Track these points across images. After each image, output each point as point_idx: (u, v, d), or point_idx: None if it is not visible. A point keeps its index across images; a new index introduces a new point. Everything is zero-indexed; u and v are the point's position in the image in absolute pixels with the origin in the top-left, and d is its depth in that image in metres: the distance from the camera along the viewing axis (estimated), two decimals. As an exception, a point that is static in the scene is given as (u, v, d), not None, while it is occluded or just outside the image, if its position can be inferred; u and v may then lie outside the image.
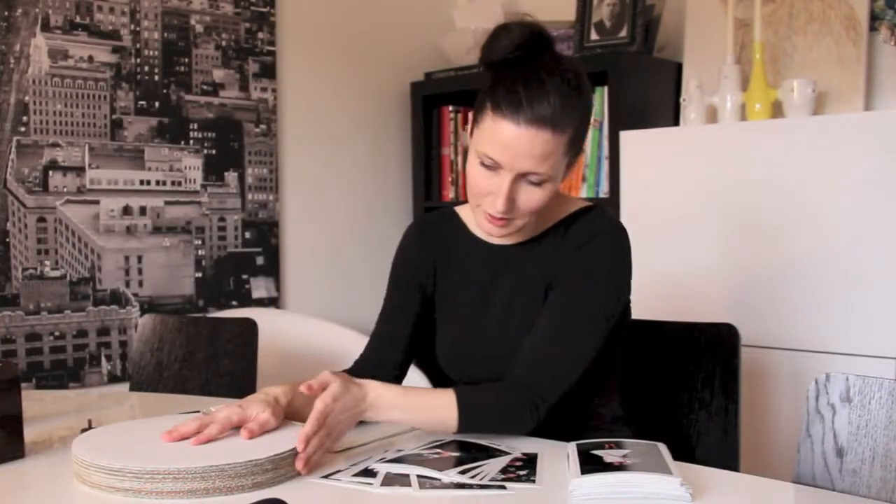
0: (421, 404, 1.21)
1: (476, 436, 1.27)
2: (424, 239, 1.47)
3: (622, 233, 1.32)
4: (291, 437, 1.11)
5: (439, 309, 1.44)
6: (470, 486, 1.04)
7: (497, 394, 1.25)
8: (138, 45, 2.51)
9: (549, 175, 1.22)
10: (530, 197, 1.24)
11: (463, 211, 1.46)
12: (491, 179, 1.24)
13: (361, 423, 1.24)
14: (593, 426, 1.37)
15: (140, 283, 2.52)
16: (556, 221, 1.35)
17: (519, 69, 1.21)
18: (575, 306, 1.27)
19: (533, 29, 1.24)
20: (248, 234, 2.75)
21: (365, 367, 1.44)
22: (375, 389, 1.19)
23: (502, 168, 1.22)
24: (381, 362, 1.44)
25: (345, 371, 1.42)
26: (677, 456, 1.10)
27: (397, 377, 1.45)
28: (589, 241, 1.29)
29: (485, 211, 1.26)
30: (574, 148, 1.26)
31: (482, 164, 1.24)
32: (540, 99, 1.18)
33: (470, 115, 1.37)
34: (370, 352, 1.47)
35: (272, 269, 2.81)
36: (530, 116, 1.18)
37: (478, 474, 1.08)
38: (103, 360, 2.45)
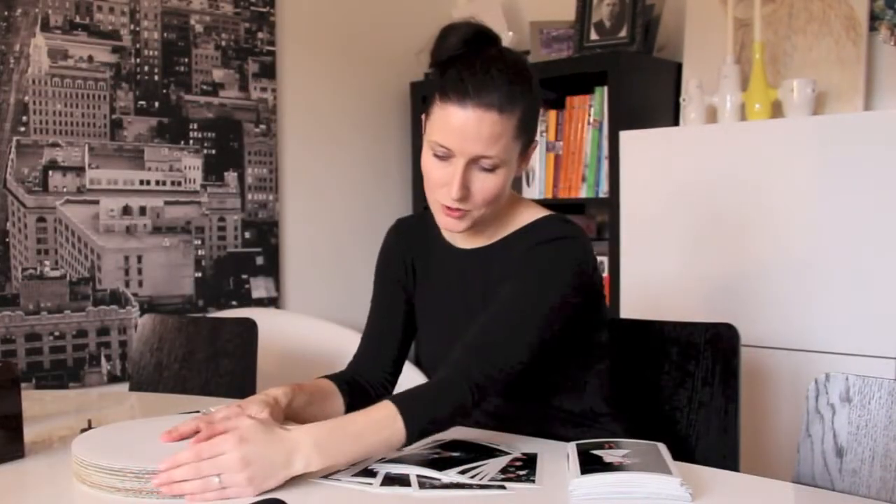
0: (360, 428, 1.10)
1: (476, 435, 1.27)
2: (402, 239, 1.49)
3: (575, 239, 1.31)
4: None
5: (418, 310, 1.46)
6: (470, 486, 1.04)
7: (433, 386, 1.20)
8: (138, 45, 2.51)
9: (500, 159, 1.24)
10: (484, 185, 1.25)
11: None
12: (445, 169, 1.26)
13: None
14: (575, 422, 1.35)
15: (140, 283, 2.52)
16: (518, 228, 1.35)
17: (465, 62, 1.24)
18: (511, 297, 1.26)
19: (478, 27, 1.28)
20: (247, 234, 2.75)
21: (359, 369, 1.44)
22: (300, 430, 1.08)
23: (454, 156, 1.24)
24: (373, 363, 1.44)
25: (339, 373, 1.42)
26: (677, 456, 1.10)
27: (392, 374, 1.45)
28: (537, 244, 1.30)
29: (441, 204, 1.28)
30: (524, 134, 1.27)
31: (435, 155, 1.26)
32: (485, 84, 1.21)
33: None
34: (362, 353, 1.47)
35: (272, 269, 2.80)
36: (477, 101, 1.21)
37: (477, 474, 1.08)
38: (103, 360, 2.45)
